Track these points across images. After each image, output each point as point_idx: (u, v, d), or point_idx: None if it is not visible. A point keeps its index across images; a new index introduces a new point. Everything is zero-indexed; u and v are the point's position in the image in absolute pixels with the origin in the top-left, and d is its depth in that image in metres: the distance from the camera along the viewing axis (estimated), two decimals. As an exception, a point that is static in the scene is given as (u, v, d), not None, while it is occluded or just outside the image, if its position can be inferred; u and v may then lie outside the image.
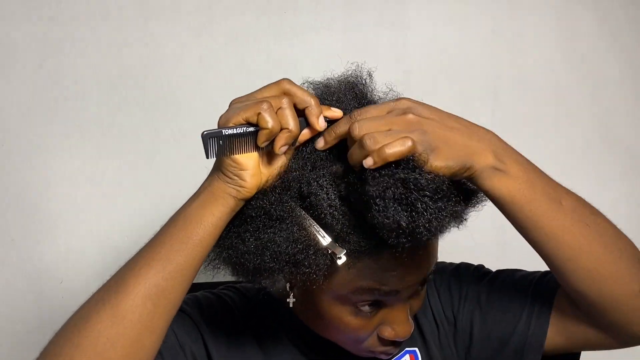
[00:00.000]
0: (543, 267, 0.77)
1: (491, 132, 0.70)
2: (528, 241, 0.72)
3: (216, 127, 0.66)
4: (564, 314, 0.80)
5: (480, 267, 0.91)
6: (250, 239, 0.69)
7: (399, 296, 0.74)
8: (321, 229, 0.68)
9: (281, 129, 0.65)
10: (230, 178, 0.67)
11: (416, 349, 0.87)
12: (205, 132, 0.64)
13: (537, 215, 0.69)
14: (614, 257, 0.71)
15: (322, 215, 0.68)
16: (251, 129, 0.65)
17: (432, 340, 0.87)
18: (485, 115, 1.43)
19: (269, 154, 0.68)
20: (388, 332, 0.76)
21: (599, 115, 1.49)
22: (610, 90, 1.50)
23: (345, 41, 1.35)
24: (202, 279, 0.77)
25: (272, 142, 0.65)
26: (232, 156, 0.65)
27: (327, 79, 0.75)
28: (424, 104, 0.69)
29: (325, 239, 0.68)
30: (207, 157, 0.65)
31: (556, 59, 1.46)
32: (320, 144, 0.69)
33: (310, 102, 0.67)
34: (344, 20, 1.35)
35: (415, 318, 0.81)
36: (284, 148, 0.66)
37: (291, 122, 0.65)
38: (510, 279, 0.87)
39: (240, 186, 0.67)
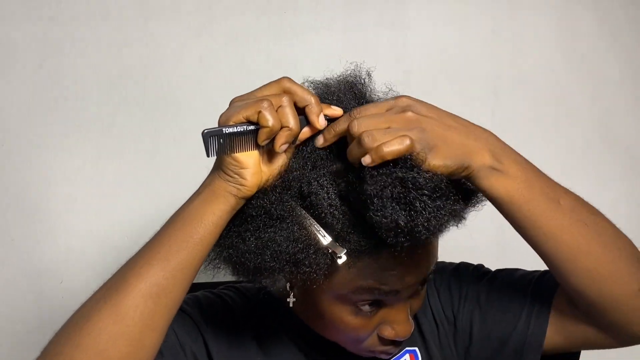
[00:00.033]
0: (543, 266, 0.77)
1: (489, 131, 0.70)
2: (527, 241, 0.72)
3: (217, 125, 0.66)
4: (563, 313, 0.80)
5: (480, 267, 0.91)
6: (251, 238, 0.69)
7: (399, 296, 0.74)
8: (321, 229, 0.68)
9: (281, 127, 0.65)
10: (231, 177, 0.67)
11: (416, 349, 0.87)
12: (205, 131, 0.64)
13: (535, 215, 0.69)
14: (613, 256, 0.71)
15: (323, 215, 0.68)
16: (252, 127, 0.65)
17: (432, 340, 0.87)
18: (485, 115, 1.43)
19: (269, 153, 0.68)
20: (388, 332, 0.76)
21: (599, 115, 1.50)
22: (610, 90, 1.50)
23: (345, 41, 1.35)
24: (202, 278, 0.77)
25: (272, 140, 0.65)
26: (233, 154, 0.65)
27: (327, 78, 0.75)
28: (423, 102, 0.69)
29: (325, 239, 0.68)
30: (208, 156, 0.65)
31: (556, 59, 1.46)
32: (319, 141, 0.69)
33: (310, 101, 0.67)
34: (344, 20, 1.35)
35: (415, 318, 0.81)
36: (285, 146, 0.66)
37: (291, 120, 0.65)
38: (510, 278, 0.87)
39: (241, 184, 0.67)
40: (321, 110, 0.68)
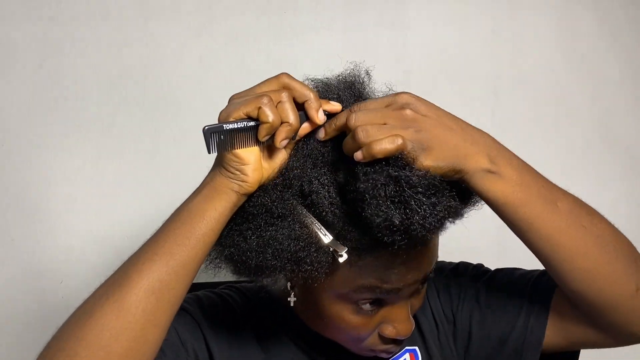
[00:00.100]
0: (542, 266, 0.77)
1: (487, 134, 0.70)
2: (524, 243, 0.72)
3: (217, 122, 0.66)
4: (562, 313, 0.80)
5: (479, 266, 0.91)
6: (252, 237, 0.69)
7: (400, 294, 0.74)
8: (322, 227, 0.68)
9: (281, 123, 0.65)
10: (232, 173, 0.67)
11: (416, 348, 0.87)
12: (206, 127, 0.64)
13: (532, 217, 0.69)
14: (610, 257, 0.71)
15: (324, 214, 0.68)
16: (252, 123, 0.65)
17: (432, 339, 0.87)
18: (485, 115, 1.43)
19: (269, 149, 0.69)
20: (389, 331, 0.76)
21: (599, 115, 1.50)
22: (610, 90, 1.50)
23: (345, 41, 1.35)
24: (202, 278, 0.77)
25: (272, 136, 0.66)
26: (234, 151, 0.66)
27: (326, 77, 0.76)
28: (424, 100, 0.68)
29: (326, 237, 0.68)
30: (209, 152, 0.65)
31: (556, 59, 1.46)
32: (321, 134, 0.70)
33: (309, 96, 0.67)
34: (344, 20, 1.35)
35: (415, 317, 0.81)
36: (285, 142, 0.66)
37: (291, 115, 0.65)
38: (509, 277, 0.87)
39: (243, 181, 0.67)
40: (320, 106, 0.68)
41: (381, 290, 0.72)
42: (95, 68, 1.23)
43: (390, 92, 0.75)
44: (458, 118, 0.69)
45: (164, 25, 1.26)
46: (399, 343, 0.79)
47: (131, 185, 1.26)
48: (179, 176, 1.24)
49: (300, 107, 0.68)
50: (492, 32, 1.43)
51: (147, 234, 0.69)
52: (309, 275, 0.69)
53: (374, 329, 0.76)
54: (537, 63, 1.45)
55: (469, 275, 0.89)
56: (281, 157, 0.69)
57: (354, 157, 0.65)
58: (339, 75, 0.75)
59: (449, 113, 0.69)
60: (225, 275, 0.76)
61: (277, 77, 0.68)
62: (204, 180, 0.70)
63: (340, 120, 0.68)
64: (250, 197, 0.69)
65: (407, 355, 0.86)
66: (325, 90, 0.73)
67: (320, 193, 0.68)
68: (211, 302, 0.84)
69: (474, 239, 1.19)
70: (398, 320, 0.76)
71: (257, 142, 0.66)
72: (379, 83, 0.76)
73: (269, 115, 0.64)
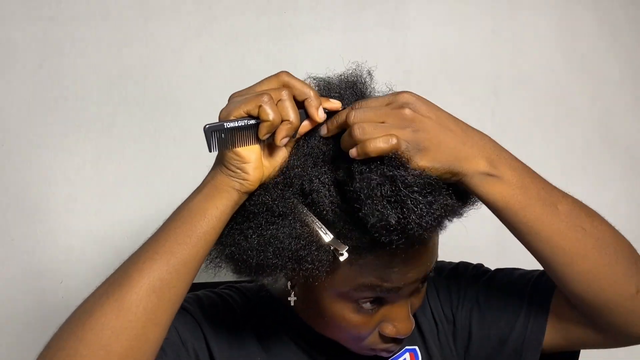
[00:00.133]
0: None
1: (487, 137, 0.70)
2: (524, 245, 0.72)
3: (217, 121, 0.66)
4: (562, 313, 0.80)
5: (479, 266, 0.91)
6: (253, 236, 0.69)
7: (401, 293, 0.74)
8: (323, 226, 0.69)
9: (282, 121, 0.65)
10: (233, 171, 0.67)
11: (416, 348, 0.87)
12: (207, 126, 0.64)
13: (532, 220, 0.69)
14: (610, 260, 0.71)
15: (324, 212, 0.68)
16: (252, 121, 0.65)
17: (432, 339, 0.87)
18: (485, 115, 1.43)
19: (270, 147, 0.69)
20: (389, 330, 0.76)
21: (599, 115, 1.50)
22: (610, 90, 1.50)
23: (345, 41, 1.35)
24: (203, 278, 0.77)
25: (273, 134, 0.66)
26: (235, 149, 0.66)
27: (328, 76, 0.76)
28: (425, 100, 0.68)
29: (327, 236, 0.68)
30: (210, 151, 0.65)
31: (556, 59, 1.46)
32: (323, 131, 0.70)
33: (309, 94, 0.67)
34: (344, 20, 1.35)
35: (415, 317, 0.81)
36: (285, 140, 0.66)
37: (291, 113, 0.65)
38: (509, 277, 0.87)
39: (244, 179, 0.67)
40: (320, 103, 0.68)
41: (381, 289, 0.72)
42: (95, 68, 1.23)
43: (391, 92, 0.75)
44: (459, 120, 0.69)
45: (164, 25, 1.26)
46: (399, 342, 0.79)
47: (131, 185, 1.26)
48: (179, 176, 1.24)
49: (301, 105, 0.68)
50: (492, 32, 1.43)
51: (147, 234, 0.69)
52: (310, 274, 0.69)
53: (374, 328, 0.77)
54: (537, 63, 1.45)
55: (469, 275, 0.89)
56: (282, 155, 0.70)
57: (350, 154, 0.66)
58: (340, 75, 0.75)
59: (450, 115, 0.69)
60: (225, 275, 0.76)
61: (277, 75, 0.68)
62: (204, 179, 0.70)
63: (341, 117, 0.68)
64: (251, 195, 0.69)
65: (407, 355, 0.86)
66: (327, 88, 0.73)
67: (321, 192, 0.68)
68: (211, 301, 0.84)
69: (474, 239, 1.19)
70: (398, 319, 0.76)
71: (258, 140, 0.66)
72: (379, 83, 0.76)
73: (270, 113, 0.64)
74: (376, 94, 0.75)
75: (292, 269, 0.70)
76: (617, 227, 0.74)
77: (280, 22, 1.31)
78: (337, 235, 0.69)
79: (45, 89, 1.22)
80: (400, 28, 1.38)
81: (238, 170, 0.67)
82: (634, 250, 0.74)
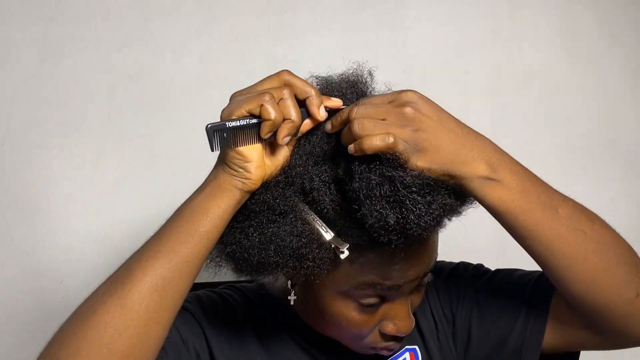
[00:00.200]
0: (542, 267, 0.77)
1: (488, 140, 0.70)
2: (524, 248, 0.72)
3: (219, 120, 0.66)
4: (561, 315, 0.80)
5: (479, 267, 0.91)
6: (254, 234, 0.69)
7: (401, 291, 0.74)
8: (324, 224, 0.69)
9: (283, 120, 0.65)
10: (235, 170, 0.67)
11: (416, 347, 0.87)
12: (209, 125, 0.64)
13: (532, 224, 0.69)
14: (610, 264, 0.71)
15: (325, 211, 0.69)
16: (254, 120, 0.65)
17: (432, 339, 0.87)
18: (485, 115, 1.43)
19: (271, 146, 0.69)
20: (390, 328, 0.76)
21: (599, 115, 1.50)
22: (610, 90, 1.50)
23: (345, 41, 1.35)
24: (203, 278, 0.77)
25: (274, 133, 0.66)
26: (237, 148, 0.66)
27: (329, 75, 0.76)
28: (428, 100, 0.68)
29: (328, 234, 0.69)
30: (212, 150, 0.66)
31: (556, 59, 1.46)
32: (328, 126, 0.70)
33: (310, 93, 0.67)
34: (344, 20, 1.35)
35: (415, 317, 0.81)
36: (287, 139, 0.66)
37: (293, 112, 0.66)
38: (509, 278, 0.87)
39: (246, 178, 0.67)
40: (322, 102, 0.68)
41: (382, 287, 0.72)
42: (95, 68, 1.23)
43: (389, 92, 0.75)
44: (461, 122, 0.69)
45: (164, 25, 1.26)
46: (399, 340, 0.79)
47: (131, 185, 1.26)
48: (179, 176, 1.24)
49: (302, 103, 0.68)
50: (492, 32, 1.43)
51: (147, 234, 0.69)
52: (311, 272, 0.69)
53: (374, 326, 0.77)
54: (537, 63, 1.45)
55: (469, 275, 0.89)
56: (283, 154, 0.70)
57: (348, 150, 0.66)
58: (341, 74, 0.75)
59: (452, 116, 0.69)
60: (225, 274, 0.76)
61: (278, 74, 0.68)
62: (207, 178, 0.70)
63: (345, 113, 0.68)
64: (252, 194, 0.69)
65: (407, 355, 0.86)
66: (328, 88, 0.74)
67: (321, 190, 0.68)
68: (211, 301, 0.84)
69: (474, 239, 1.19)
70: (399, 317, 0.76)
71: (260, 139, 0.66)
72: (379, 83, 0.76)
73: (271, 112, 0.64)
74: (376, 94, 0.75)
75: (293, 267, 0.70)
76: (617, 227, 0.74)
77: (280, 22, 1.31)
78: (338, 234, 0.69)
79: (45, 89, 1.22)
80: (400, 28, 1.38)
81: (240, 170, 0.67)
82: (634, 253, 0.74)
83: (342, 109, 0.70)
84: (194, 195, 0.69)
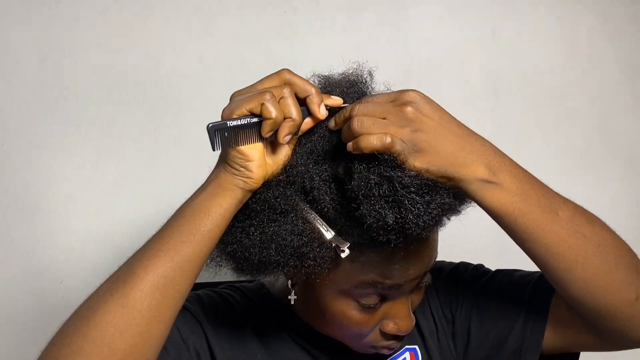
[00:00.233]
0: (542, 267, 0.77)
1: (488, 142, 0.69)
2: (524, 250, 0.72)
3: (220, 119, 0.66)
4: (561, 316, 0.80)
5: (480, 267, 0.91)
6: (255, 233, 0.69)
7: (401, 290, 0.74)
8: (325, 223, 0.69)
9: (284, 119, 0.65)
10: (237, 169, 0.67)
11: (416, 347, 0.87)
12: (210, 125, 0.64)
13: (532, 227, 0.69)
14: (610, 266, 0.71)
15: (325, 210, 0.69)
16: (255, 119, 0.65)
17: (431, 339, 0.87)
18: (485, 115, 1.43)
19: (272, 144, 0.69)
20: (390, 327, 0.76)
21: (599, 115, 1.50)
22: (610, 90, 1.50)
23: (345, 41, 1.35)
24: (203, 278, 0.77)
25: (275, 132, 0.66)
26: (238, 147, 0.66)
27: (330, 74, 0.76)
28: (430, 100, 0.67)
29: (329, 233, 0.69)
30: (214, 150, 0.66)
31: (556, 59, 1.46)
32: (331, 123, 0.70)
33: (311, 91, 0.67)
34: (344, 20, 1.35)
35: (415, 317, 0.81)
36: (288, 137, 0.66)
37: (294, 111, 0.66)
38: (509, 279, 0.87)
39: (247, 177, 0.67)
40: (322, 100, 0.68)
41: (383, 286, 0.72)
42: (95, 68, 1.23)
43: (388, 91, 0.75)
44: (462, 124, 0.68)
45: (164, 25, 1.26)
46: (400, 339, 0.79)
47: (131, 185, 1.26)
48: (179, 176, 1.24)
49: (302, 102, 0.68)
50: (492, 32, 1.43)
51: (147, 234, 0.69)
52: (312, 271, 0.69)
53: (375, 326, 0.77)
54: (537, 63, 1.45)
55: (469, 275, 0.89)
56: (284, 152, 0.70)
57: (347, 147, 0.66)
58: (342, 74, 0.76)
59: (454, 118, 0.68)
60: (225, 274, 0.76)
61: (278, 73, 0.68)
62: (208, 178, 0.70)
63: (347, 111, 0.68)
64: (253, 193, 0.69)
65: (407, 354, 0.86)
66: (329, 87, 0.74)
67: (322, 189, 0.69)
68: (212, 301, 0.84)
69: (474, 239, 1.19)
70: (399, 316, 0.76)
71: (261, 138, 0.66)
72: (379, 83, 0.76)
73: (272, 111, 0.64)
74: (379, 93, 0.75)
75: (294, 266, 0.70)
76: (617, 227, 0.74)
77: (280, 22, 1.31)
78: (339, 232, 0.69)
79: (45, 89, 1.22)
80: (400, 28, 1.38)
81: (242, 169, 0.67)
82: (634, 256, 0.74)
83: (342, 107, 0.70)
84: (195, 195, 0.69)
